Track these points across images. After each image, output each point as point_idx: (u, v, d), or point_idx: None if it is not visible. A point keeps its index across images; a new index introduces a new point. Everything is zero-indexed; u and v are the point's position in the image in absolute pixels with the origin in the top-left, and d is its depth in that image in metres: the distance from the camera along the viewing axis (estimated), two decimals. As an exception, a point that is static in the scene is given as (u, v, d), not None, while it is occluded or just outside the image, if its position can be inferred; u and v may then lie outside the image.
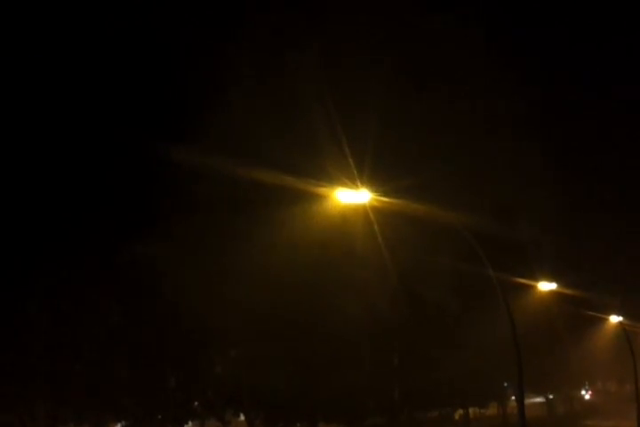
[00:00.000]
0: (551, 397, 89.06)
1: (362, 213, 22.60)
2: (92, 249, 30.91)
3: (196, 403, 40.03)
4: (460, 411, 68.28)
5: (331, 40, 30.36)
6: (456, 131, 40.59)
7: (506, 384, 68.68)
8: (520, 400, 22.01)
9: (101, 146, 29.63)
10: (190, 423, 45.69)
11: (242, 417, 45.66)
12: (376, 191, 19.01)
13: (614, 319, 54.28)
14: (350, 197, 18.98)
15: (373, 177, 20.96)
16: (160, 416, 36.95)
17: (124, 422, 37.06)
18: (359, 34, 31.23)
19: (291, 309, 35.73)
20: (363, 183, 19.14)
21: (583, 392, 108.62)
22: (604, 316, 59.24)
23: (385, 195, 19.21)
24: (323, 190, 20.32)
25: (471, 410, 70.04)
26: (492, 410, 78.25)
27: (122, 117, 29.47)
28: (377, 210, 20.88)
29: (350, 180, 19.68)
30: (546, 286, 35.07)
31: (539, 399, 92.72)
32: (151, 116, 30.73)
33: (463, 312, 49.93)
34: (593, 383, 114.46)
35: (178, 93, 30.68)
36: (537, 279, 36.05)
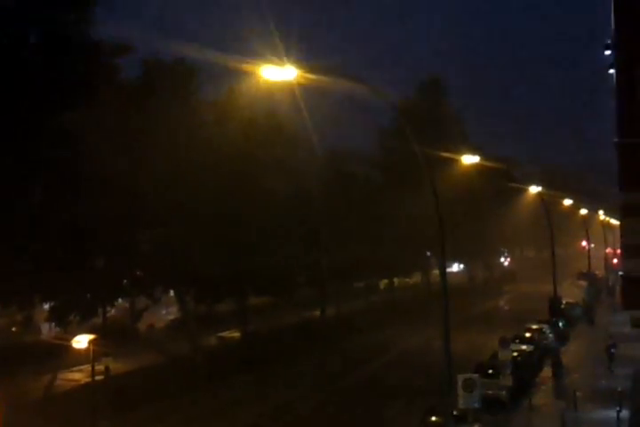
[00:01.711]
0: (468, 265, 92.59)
1: (288, 90, 22.36)
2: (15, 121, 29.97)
3: (124, 281, 40.29)
4: (385, 280, 70.69)
5: None
6: (379, 9, 40.03)
7: (429, 254, 71.02)
8: (442, 268, 22.80)
9: (26, 19, 28.31)
10: (120, 301, 46.27)
11: (171, 293, 46.40)
12: (302, 68, 18.66)
13: (534, 189, 55.79)
14: (276, 73, 18.60)
15: (300, 53, 20.61)
16: (89, 295, 37.14)
17: (52, 303, 37.15)
18: None
19: (218, 187, 35.70)
20: (289, 59, 18.75)
21: (502, 259, 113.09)
22: (523, 186, 60.89)
23: (312, 71, 18.91)
24: (248, 66, 19.88)
25: (396, 279, 72.56)
26: (415, 279, 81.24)
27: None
28: (303, 87, 20.65)
29: (276, 56, 19.26)
30: (469, 159, 35.53)
31: (460, 267, 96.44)
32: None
33: (388, 186, 50.88)
34: (512, 251, 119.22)
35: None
36: (461, 153, 36.51)
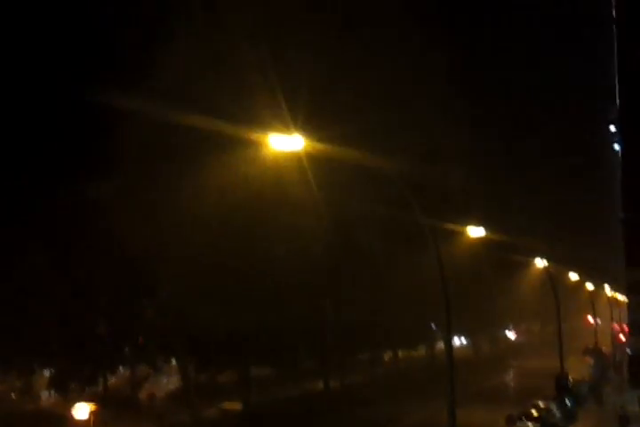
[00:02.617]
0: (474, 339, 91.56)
1: (295, 159, 22.53)
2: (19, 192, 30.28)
3: (126, 349, 39.96)
4: (390, 353, 69.86)
5: None
6: (388, 80, 40.71)
7: (434, 326, 70.37)
8: (447, 341, 22.53)
9: (39, 90, 28.88)
10: (121, 369, 45.73)
11: (173, 362, 45.87)
12: (310, 137, 18.86)
13: (539, 263, 55.65)
14: (284, 143, 18.81)
15: (307, 123, 20.84)
16: (90, 364, 36.80)
17: (52, 370, 36.79)
18: None
19: (223, 253, 35.68)
20: (296, 129, 18.97)
21: (508, 333, 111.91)
22: (529, 260, 60.72)
23: (319, 141, 19.11)
24: (256, 136, 20.11)
25: (400, 352, 71.69)
26: (420, 352, 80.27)
27: (59, 62, 28.78)
28: (311, 156, 20.82)
29: (284, 125, 19.49)
30: (474, 232, 35.53)
31: (465, 341, 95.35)
32: (87, 62, 30.05)
33: (394, 257, 50.74)
34: (517, 325, 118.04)
35: (114, 41, 30.01)
36: (465, 224, 36.52)
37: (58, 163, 30.26)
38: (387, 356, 70.96)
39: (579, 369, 64.92)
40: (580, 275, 78.74)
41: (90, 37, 30.77)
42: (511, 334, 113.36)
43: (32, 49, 29.26)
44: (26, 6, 28.99)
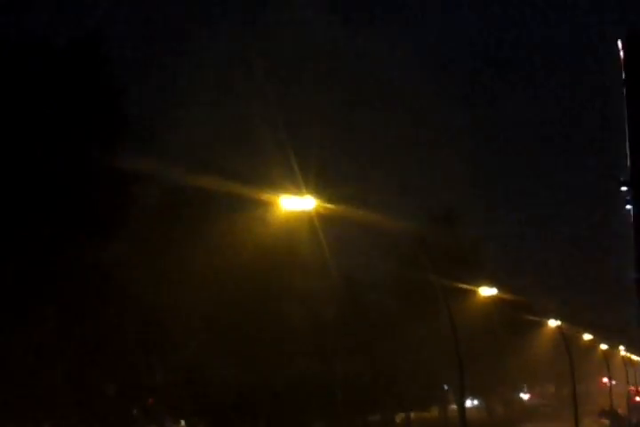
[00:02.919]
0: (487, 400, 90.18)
1: (307, 218, 22.62)
2: (34, 253, 30.41)
3: (135, 410, 39.52)
4: (402, 414, 68.73)
5: (278, 55, 30.57)
6: (400, 141, 41.20)
7: (446, 387, 69.36)
8: (460, 403, 22.22)
9: (49, 150, 29.23)
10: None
11: (183, 423, 45.28)
12: (320, 198, 18.95)
13: (552, 323, 55.19)
14: (295, 203, 18.90)
15: (318, 184, 20.98)
16: (97, 424, 36.35)
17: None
18: (305, 52, 31.50)
19: (233, 315, 35.56)
20: (308, 190, 19.09)
21: (522, 395, 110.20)
22: (542, 320, 60.23)
23: (330, 201, 19.19)
24: (267, 197, 20.23)
25: (412, 414, 70.52)
26: (433, 413, 78.94)
27: (70, 125, 29.22)
28: (322, 216, 20.90)
29: (295, 186, 19.62)
30: (486, 291, 35.42)
31: (478, 403, 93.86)
32: (100, 124, 30.52)
33: (405, 316, 50.42)
34: (531, 386, 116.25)
35: (126, 103, 30.49)
36: (478, 284, 36.43)
37: (70, 223, 30.41)
38: (399, 418, 69.80)
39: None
40: (593, 335, 77.93)
41: (103, 99, 31.26)
42: (525, 396, 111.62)
43: (45, 109, 29.69)
44: (39, 70, 29.50)
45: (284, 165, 26.00)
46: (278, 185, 19.87)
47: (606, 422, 65.51)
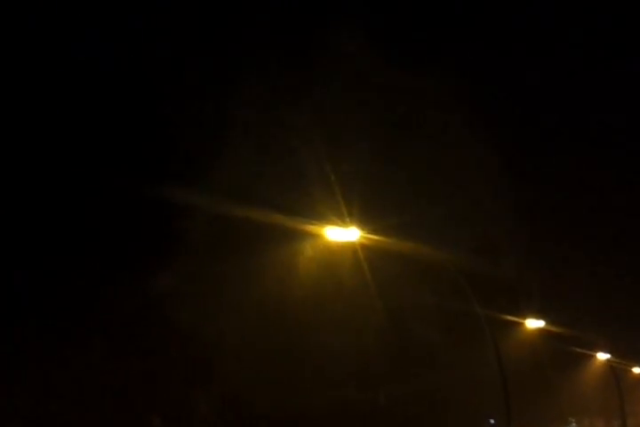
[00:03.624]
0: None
1: (351, 250, 22.78)
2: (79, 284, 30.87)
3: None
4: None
5: (319, 83, 30.91)
6: (442, 171, 41.27)
7: (492, 422, 68.35)
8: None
9: (94, 185, 29.82)
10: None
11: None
12: (365, 229, 19.19)
13: (602, 357, 54.31)
14: (340, 234, 19.16)
15: (362, 215, 21.19)
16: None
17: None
18: (347, 79, 31.79)
19: (279, 344, 35.63)
20: (352, 221, 19.33)
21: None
22: (591, 353, 59.24)
23: (373, 233, 19.41)
24: (312, 228, 20.50)
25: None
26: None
27: (120, 157, 29.83)
28: (365, 247, 21.08)
29: (339, 218, 19.88)
30: (533, 324, 35.11)
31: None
32: (146, 158, 31.08)
33: (450, 350, 49.99)
34: (580, 420, 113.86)
35: (170, 135, 31.02)
36: (524, 316, 36.12)
37: (119, 254, 30.90)
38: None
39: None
40: (644, 369, 76.28)
41: (151, 131, 31.79)
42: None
43: (92, 142, 30.26)
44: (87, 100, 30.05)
45: (329, 196, 26.25)
46: (323, 216, 20.13)
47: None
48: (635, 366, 74.12)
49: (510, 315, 39.29)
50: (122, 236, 30.54)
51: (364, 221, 19.63)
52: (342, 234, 19.12)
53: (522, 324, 37.22)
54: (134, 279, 31.37)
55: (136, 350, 33.34)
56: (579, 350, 61.84)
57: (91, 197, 29.90)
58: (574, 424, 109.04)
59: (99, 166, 29.65)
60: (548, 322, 38.11)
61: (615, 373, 47.01)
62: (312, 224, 20.21)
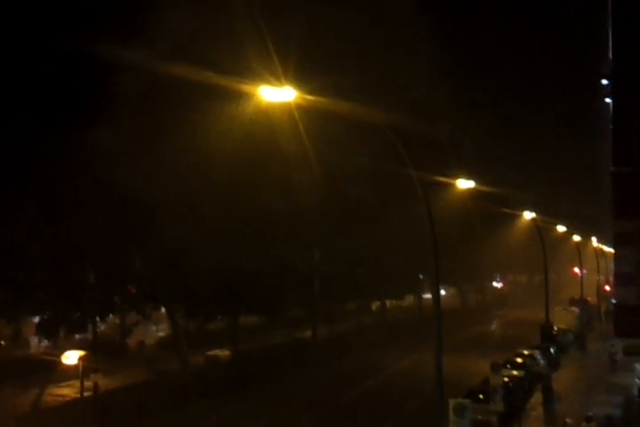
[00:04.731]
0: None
1: (286, 111, 22.46)
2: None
3: (115, 297, 40.26)
4: (377, 302, 70.59)
5: None
6: (375, 33, 40.54)
7: (422, 277, 70.99)
8: (436, 291, 22.78)
9: (34, 42, 28.57)
10: (111, 317, 46.15)
11: (163, 310, 46.28)
12: (301, 89, 18.77)
13: (528, 215, 56.01)
14: (275, 94, 18.72)
15: (298, 75, 20.73)
16: (78, 311, 37.08)
17: (40, 317, 37.00)
18: None
19: (213, 203, 35.71)
20: (287, 81, 18.87)
21: (495, 284, 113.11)
22: (517, 212, 61.05)
23: (309, 93, 19.02)
24: (246, 87, 20.01)
25: (388, 302, 72.42)
26: (407, 301, 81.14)
27: (53, 14, 28.53)
28: (301, 108, 20.75)
29: (274, 77, 19.38)
30: (464, 184, 35.61)
31: (445, 291, 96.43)
32: (81, 14, 29.74)
33: (384, 208, 51.00)
34: (505, 276, 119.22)
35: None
36: (455, 177, 36.60)
37: (52, 112, 30.06)
38: (374, 306, 71.69)
39: (564, 319, 65.88)
40: (567, 227, 79.32)
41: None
42: (498, 285, 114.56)
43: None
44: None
45: (264, 55, 25.58)
46: (258, 76, 19.64)
47: (576, 310, 67.59)
48: (559, 224, 76.98)
49: (442, 175, 39.84)
50: (54, 92, 29.58)
51: (300, 81, 19.17)
52: (277, 94, 18.68)
53: (453, 184, 37.75)
54: (67, 135, 30.72)
55: (70, 210, 33.13)
56: (506, 209, 63.67)
57: (22, 52, 28.69)
58: (499, 279, 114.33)
59: (34, 21, 28.35)
60: (477, 182, 38.71)
61: (539, 231, 48.63)
62: (246, 83, 19.69)
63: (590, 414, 27.97)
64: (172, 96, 30.70)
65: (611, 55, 21.18)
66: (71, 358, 30.00)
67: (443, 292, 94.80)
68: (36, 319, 37.71)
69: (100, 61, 28.36)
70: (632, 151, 20.32)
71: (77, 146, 30.54)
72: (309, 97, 19.25)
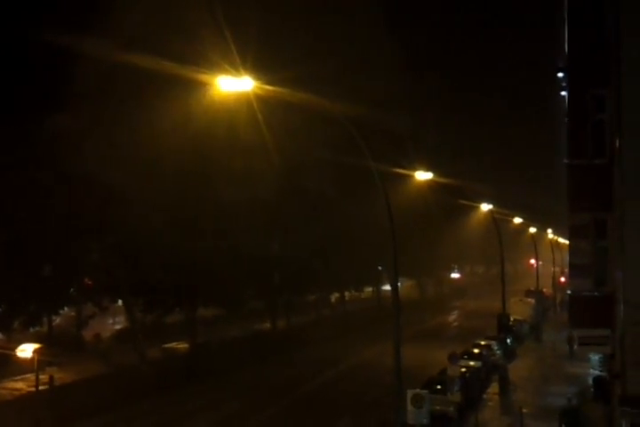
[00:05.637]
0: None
1: (245, 101, 22.30)
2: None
3: (71, 289, 39.86)
4: (336, 294, 70.76)
5: None
6: (337, 25, 40.59)
7: (380, 268, 71.27)
8: (394, 283, 22.87)
9: None
10: (66, 309, 45.65)
11: (120, 303, 45.90)
12: (259, 80, 18.64)
13: (485, 207, 56.46)
14: (232, 84, 18.56)
15: (257, 65, 20.60)
16: (33, 303, 36.65)
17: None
18: None
19: (171, 194, 35.46)
20: (245, 71, 18.73)
21: (453, 275, 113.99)
22: (475, 204, 61.49)
23: (268, 84, 18.90)
24: (204, 77, 19.83)
25: (347, 294, 72.62)
26: (366, 293, 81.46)
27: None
28: (260, 98, 20.62)
29: (233, 67, 19.21)
30: (422, 176, 35.77)
31: (411, 282, 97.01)
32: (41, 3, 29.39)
33: (342, 200, 51.09)
34: (462, 267, 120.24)
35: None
36: (414, 169, 36.76)
37: (9, 99, 29.66)
38: (333, 297, 71.83)
39: (520, 310, 66.69)
40: (524, 219, 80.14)
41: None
42: (456, 276, 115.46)
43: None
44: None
45: (222, 45, 25.38)
46: (216, 65, 19.46)
47: (532, 301, 68.36)
48: (516, 216, 77.74)
49: (400, 168, 40.00)
50: (12, 79, 29.15)
51: (259, 71, 19.04)
52: (235, 84, 18.52)
53: (411, 176, 37.90)
54: (25, 122, 30.30)
55: (24, 201, 32.65)
56: (464, 201, 64.09)
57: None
58: (456, 270, 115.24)
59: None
60: (435, 174, 38.91)
61: (496, 223, 49.02)
62: (203, 73, 19.51)
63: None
64: (129, 85, 30.37)
65: (566, 49, 21.32)
66: (26, 351, 29.57)
67: (401, 283, 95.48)
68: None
69: (58, 49, 27.97)
70: (586, 144, 20.48)
71: (35, 133, 30.11)
72: (268, 87, 19.12)
